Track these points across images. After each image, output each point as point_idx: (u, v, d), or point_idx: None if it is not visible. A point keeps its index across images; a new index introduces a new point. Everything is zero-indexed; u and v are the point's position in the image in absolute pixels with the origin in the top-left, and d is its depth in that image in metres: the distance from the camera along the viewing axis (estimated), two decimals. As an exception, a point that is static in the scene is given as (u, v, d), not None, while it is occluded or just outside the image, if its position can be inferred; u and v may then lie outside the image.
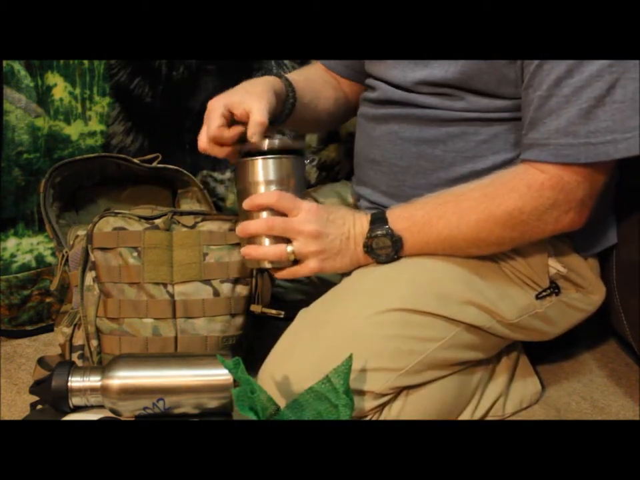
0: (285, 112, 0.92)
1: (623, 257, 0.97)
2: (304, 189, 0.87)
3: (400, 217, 0.83)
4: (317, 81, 1.04)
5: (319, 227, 0.82)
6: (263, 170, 0.83)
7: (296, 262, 0.84)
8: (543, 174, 0.78)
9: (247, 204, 0.83)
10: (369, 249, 0.84)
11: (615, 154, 0.74)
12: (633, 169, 0.88)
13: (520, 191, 0.78)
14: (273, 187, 0.83)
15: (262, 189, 0.83)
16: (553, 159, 0.76)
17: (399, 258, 0.85)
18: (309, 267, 0.83)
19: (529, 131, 0.79)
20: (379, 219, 0.83)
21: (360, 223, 0.84)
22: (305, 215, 0.82)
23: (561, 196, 0.78)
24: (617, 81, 0.72)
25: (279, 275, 0.85)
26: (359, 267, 0.87)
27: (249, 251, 0.84)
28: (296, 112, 0.95)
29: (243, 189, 0.85)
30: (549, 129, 0.76)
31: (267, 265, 0.84)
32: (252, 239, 0.84)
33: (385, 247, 0.83)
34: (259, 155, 0.83)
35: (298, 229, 0.81)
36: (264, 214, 0.83)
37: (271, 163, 0.83)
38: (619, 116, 0.73)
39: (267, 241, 0.83)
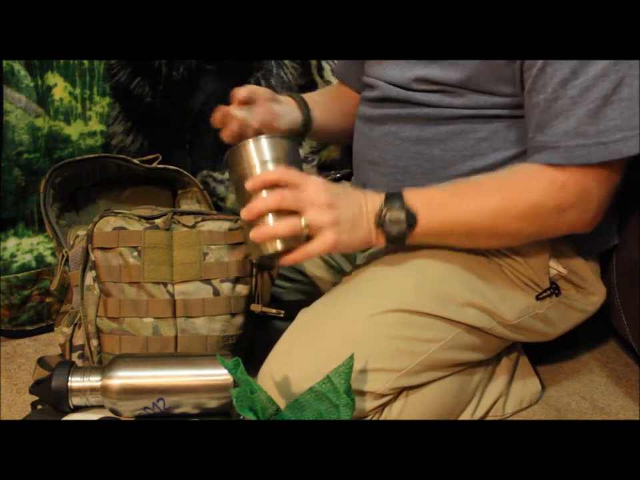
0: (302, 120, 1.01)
1: (623, 257, 0.97)
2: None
3: (417, 195, 0.80)
4: (337, 97, 1.11)
5: (330, 198, 0.78)
6: (256, 151, 0.81)
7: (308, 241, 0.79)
8: (563, 174, 0.76)
9: (250, 184, 0.79)
10: (381, 221, 0.80)
11: (627, 152, 0.73)
12: (633, 169, 0.87)
13: (542, 187, 0.77)
14: (270, 167, 0.80)
15: (258, 169, 0.81)
16: (565, 161, 0.75)
17: (410, 237, 0.80)
18: (324, 240, 0.78)
19: (537, 134, 0.78)
20: (394, 195, 0.80)
21: (372, 199, 0.81)
22: (315, 187, 0.78)
23: (583, 196, 0.77)
24: (623, 79, 0.72)
25: (293, 257, 0.79)
26: (371, 246, 0.83)
27: (259, 233, 0.78)
28: (316, 123, 1.02)
29: (239, 176, 0.82)
30: (558, 131, 0.75)
31: (279, 247, 0.78)
32: (256, 223, 0.79)
33: (397, 222, 0.79)
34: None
35: (310, 200, 0.77)
36: (264, 193, 0.79)
37: (264, 142, 0.81)
38: (627, 114, 0.72)
39: (272, 221, 0.78)
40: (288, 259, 0.79)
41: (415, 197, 0.80)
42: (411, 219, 0.79)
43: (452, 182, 0.82)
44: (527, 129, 0.80)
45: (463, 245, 0.85)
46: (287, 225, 0.77)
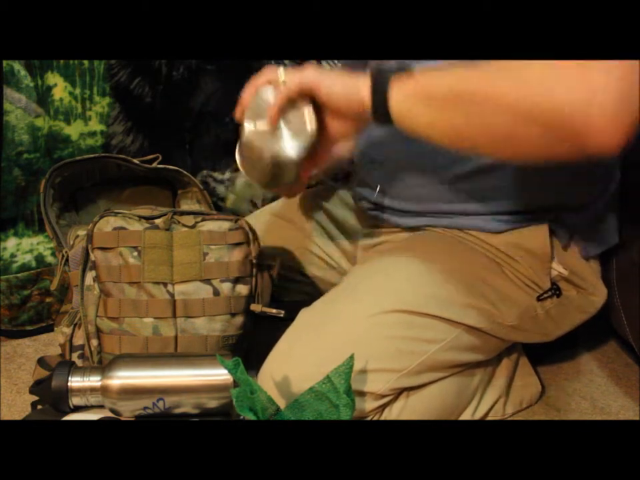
0: None
1: (623, 257, 0.97)
2: None
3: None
4: None
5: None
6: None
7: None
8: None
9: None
10: (374, 66, 0.75)
11: None
12: (633, 168, 0.88)
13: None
14: None
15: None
16: None
17: (396, 87, 0.73)
18: (302, 73, 0.78)
19: None
20: None
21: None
22: None
23: (586, 73, 0.64)
24: None
25: (277, 101, 0.78)
26: (356, 95, 0.77)
27: (241, 104, 0.81)
28: None
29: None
30: None
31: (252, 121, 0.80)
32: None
33: (389, 64, 0.75)
34: None
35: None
36: None
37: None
38: None
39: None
40: (273, 106, 0.78)
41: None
42: (404, 64, 0.74)
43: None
44: None
45: (454, 122, 0.72)
46: (264, 75, 0.80)
